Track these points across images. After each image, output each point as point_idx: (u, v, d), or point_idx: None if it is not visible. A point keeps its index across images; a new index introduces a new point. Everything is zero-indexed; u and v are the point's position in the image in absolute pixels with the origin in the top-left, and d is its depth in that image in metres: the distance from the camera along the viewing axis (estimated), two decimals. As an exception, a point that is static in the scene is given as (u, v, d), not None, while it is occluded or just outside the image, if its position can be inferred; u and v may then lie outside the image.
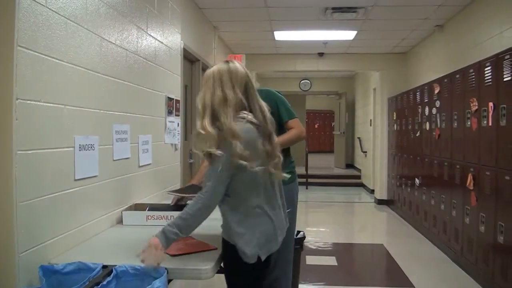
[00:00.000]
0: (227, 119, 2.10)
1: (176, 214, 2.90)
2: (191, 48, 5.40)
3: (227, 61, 2.27)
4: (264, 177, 2.20)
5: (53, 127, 2.27)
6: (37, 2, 2.12)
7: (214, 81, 2.19)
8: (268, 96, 3.30)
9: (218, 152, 2.07)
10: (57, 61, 2.29)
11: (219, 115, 2.12)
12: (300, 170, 11.95)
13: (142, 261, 2.05)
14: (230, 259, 2.24)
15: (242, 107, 2.18)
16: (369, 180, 10.94)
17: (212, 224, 2.31)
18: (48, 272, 2.02)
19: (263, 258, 2.17)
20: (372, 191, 10.27)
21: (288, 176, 2.35)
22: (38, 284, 2.00)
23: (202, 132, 2.12)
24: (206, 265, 2.17)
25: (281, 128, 3.15)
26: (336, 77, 14.00)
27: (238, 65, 2.26)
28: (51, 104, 2.25)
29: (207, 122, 2.12)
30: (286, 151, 3.22)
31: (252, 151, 2.12)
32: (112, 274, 1.98)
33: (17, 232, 1.98)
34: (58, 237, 2.31)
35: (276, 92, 3.37)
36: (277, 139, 2.37)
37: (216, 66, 2.27)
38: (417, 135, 6.92)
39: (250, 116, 2.17)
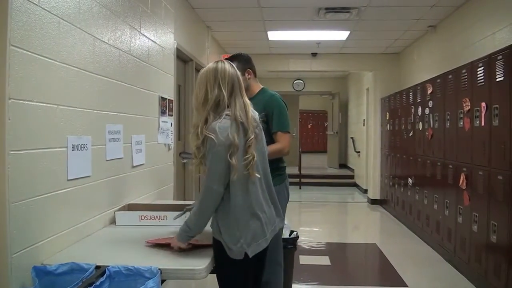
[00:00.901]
0: (210, 118, 2.26)
1: (169, 214, 2.94)
2: (185, 48, 5.39)
3: (216, 61, 2.38)
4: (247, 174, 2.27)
5: (46, 127, 2.26)
6: (30, 1, 2.11)
7: (201, 81, 2.33)
8: (269, 100, 3.27)
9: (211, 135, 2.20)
10: (50, 60, 2.28)
11: (208, 115, 2.27)
12: (293, 170, 12.03)
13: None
14: (219, 257, 2.28)
15: (225, 104, 2.29)
16: (362, 180, 10.97)
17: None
18: (41, 273, 2.01)
19: (250, 254, 2.22)
20: (365, 191, 10.30)
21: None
22: (31, 285, 1.99)
23: (194, 130, 2.29)
24: (199, 265, 2.17)
25: (269, 136, 3.09)
26: (329, 77, 14.02)
27: (227, 65, 2.36)
28: (44, 104, 2.23)
29: (200, 123, 2.27)
30: None
31: (231, 145, 2.20)
32: (105, 274, 1.97)
33: (9, 233, 1.97)
34: (51, 238, 2.29)
35: (280, 100, 3.30)
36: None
37: (206, 66, 2.39)
38: (410, 135, 6.95)
39: (231, 113, 2.28)
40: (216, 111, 2.27)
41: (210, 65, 2.37)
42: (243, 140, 2.25)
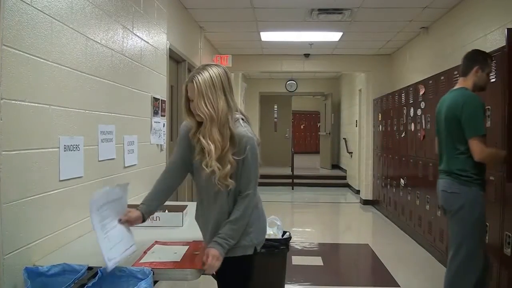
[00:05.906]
0: (234, 125, 2.16)
1: (161, 215, 2.93)
2: (177, 48, 5.38)
3: (216, 65, 2.21)
4: None
5: (38, 127, 2.25)
6: (22, 0, 2.10)
7: (216, 87, 2.13)
8: None
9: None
10: (42, 60, 2.27)
11: (227, 122, 2.14)
12: (285, 170, 12.04)
13: (204, 270, 2.13)
14: (247, 268, 2.31)
15: (236, 106, 2.23)
16: (354, 180, 11.00)
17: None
18: (33, 274, 1.99)
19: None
20: (358, 192, 10.33)
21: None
22: (23, 286, 1.98)
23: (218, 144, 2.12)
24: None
25: None
26: (322, 78, 14.05)
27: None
28: (36, 104, 2.22)
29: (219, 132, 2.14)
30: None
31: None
32: (97, 275, 1.96)
33: (1, 234, 1.96)
34: (43, 239, 2.28)
35: None
36: None
37: (215, 70, 2.16)
38: (402, 136, 6.97)
39: (243, 115, 2.25)
40: (233, 116, 2.18)
41: (217, 69, 2.16)
42: None
